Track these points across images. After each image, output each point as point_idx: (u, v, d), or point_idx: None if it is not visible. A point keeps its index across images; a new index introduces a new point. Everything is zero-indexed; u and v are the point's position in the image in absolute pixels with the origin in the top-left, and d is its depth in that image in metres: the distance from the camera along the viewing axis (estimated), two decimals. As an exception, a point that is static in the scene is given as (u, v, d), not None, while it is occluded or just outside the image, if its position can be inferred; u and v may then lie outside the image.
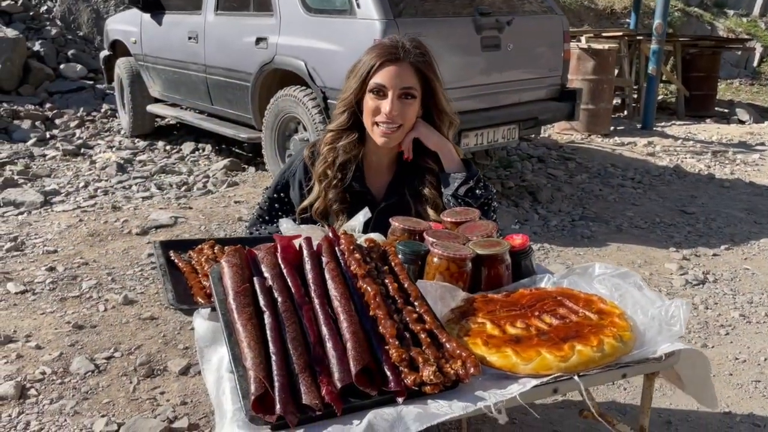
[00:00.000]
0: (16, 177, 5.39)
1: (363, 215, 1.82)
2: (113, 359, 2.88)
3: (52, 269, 3.67)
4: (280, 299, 1.29)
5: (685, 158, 6.81)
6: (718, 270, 4.01)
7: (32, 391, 2.63)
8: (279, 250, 1.40)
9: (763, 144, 7.57)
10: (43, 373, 2.75)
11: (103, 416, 2.50)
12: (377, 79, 1.85)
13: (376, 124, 1.88)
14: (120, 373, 2.78)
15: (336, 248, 1.44)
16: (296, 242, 1.45)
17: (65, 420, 2.48)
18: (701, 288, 3.76)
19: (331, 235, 1.49)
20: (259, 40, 4.94)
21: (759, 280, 3.88)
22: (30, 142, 6.51)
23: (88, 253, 3.92)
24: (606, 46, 7.65)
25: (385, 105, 1.84)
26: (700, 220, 4.93)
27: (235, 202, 4.85)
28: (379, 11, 4.18)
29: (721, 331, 3.27)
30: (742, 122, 9.08)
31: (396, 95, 1.85)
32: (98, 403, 2.58)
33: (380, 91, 1.85)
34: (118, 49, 6.92)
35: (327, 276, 1.37)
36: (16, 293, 3.40)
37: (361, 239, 1.56)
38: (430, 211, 1.93)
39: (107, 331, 3.09)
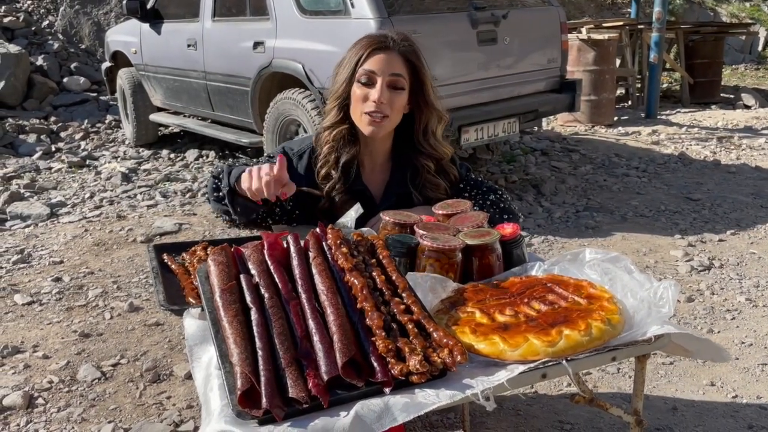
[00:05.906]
0: (22, 190, 5.44)
1: (354, 211, 1.81)
2: (119, 366, 2.90)
3: (58, 279, 3.71)
4: (266, 295, 1.29)
5: (690, 145, 6.76)
6: (723, 255, 3.98)
7: (40, 400, 2.66)
8: (266, 247, 1.41)
9: (769, 128, 7.52)
10: (51, 382, 2.77)
11: (110, 422, 2.52)
12: (367, 66, 1.83)
13: (364, 113, 1.86)
14: (126, 380, 2.80)
15: (323, 243, 1.45)
16: (283, 239, 1.45)
17: (73, 427, 2.50)
18: (707, 274, 3.73)
19: (318, 230, 1.49)
20: (256, 45, 4.96)
21: (765, 264, 3.85)
22: (36, 155, 6.58)
23: (93, 263, 3.95)
24: (606, 37, 7.61)
25: (374, 93, 1.82)
26: (705, 206, 4.89)
27: (239, 207, 4.86)
28: (374, 10, 4.19)
29: (727, 316, 3.24)
30: (747, 107, 9.01)
31: (385, 83, 1.83)
32: (105, 410, 2.60)
33: (369, 79, 1.84)
34: (120, 59, 6.98)
35: (314, 271, 1.37)
36: (23, 304, 3.43)
37: (350, 234, 1.56)
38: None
39: (113, 338, 3.12)
